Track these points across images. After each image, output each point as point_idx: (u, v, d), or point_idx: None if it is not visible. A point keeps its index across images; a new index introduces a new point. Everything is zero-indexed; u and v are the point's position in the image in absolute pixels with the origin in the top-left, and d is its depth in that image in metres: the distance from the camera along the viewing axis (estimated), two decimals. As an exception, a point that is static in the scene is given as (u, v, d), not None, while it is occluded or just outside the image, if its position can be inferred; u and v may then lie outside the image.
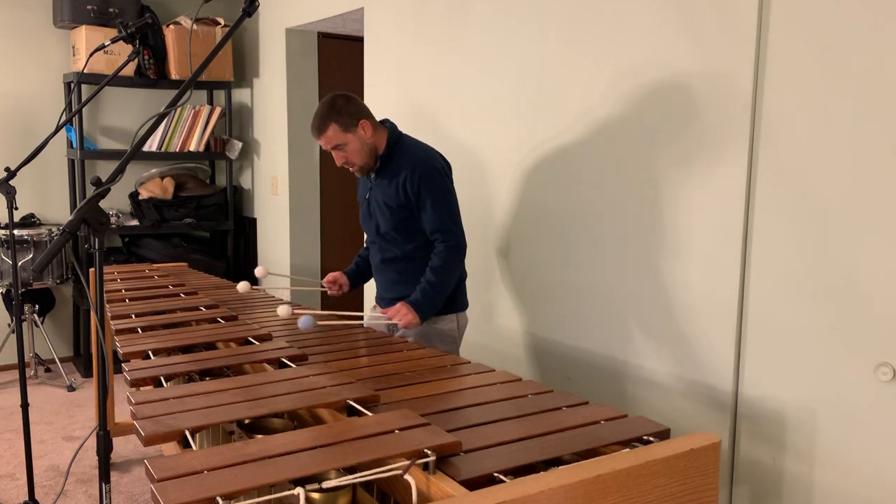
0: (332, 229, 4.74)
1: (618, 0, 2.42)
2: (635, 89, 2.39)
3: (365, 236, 2.74)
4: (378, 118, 2.54)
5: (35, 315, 4.46)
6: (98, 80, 4.34)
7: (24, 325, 4.48)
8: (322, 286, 2.79)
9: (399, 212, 2.48)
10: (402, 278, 2.55)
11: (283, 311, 2.37)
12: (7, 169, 2.62)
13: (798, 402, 2.02)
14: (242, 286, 2.80)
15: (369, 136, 2.45)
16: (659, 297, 2.36)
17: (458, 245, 2.50)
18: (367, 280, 2.83)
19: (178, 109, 4.63)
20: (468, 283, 2.70)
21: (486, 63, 2.98)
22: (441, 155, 2.56)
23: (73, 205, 4.76)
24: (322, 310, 2.91)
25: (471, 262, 3.13)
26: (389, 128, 2.52)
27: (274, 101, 4.58)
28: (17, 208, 2.78)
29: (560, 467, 1.25)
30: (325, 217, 4.69)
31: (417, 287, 2.46)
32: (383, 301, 2.63)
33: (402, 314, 2.42)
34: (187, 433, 1.44)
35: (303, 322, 2.23)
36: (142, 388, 1.73)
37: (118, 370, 4.44)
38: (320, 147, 4.57)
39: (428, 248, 2.51)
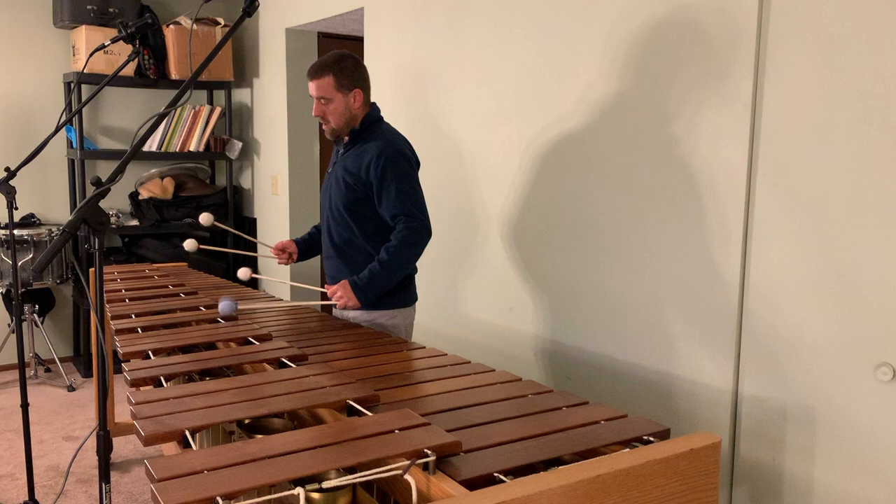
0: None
1: (617, 2, 2.42)
2: (634, 90, 2.39)
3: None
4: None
5: (35, 315, 4.46)
6: (98, 80, 4.34)
7: (24, 325, 4.48)
8: (272, 254, 2.74)
9: (354, 189, 2.44)
10: (348, 268, 2.50)
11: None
12: (7, 169, 2.62)
13: (798, 402, 2.02)
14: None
15: (356, 106, 2.46)
16: (659, 297, 2.36)
17: (419, 228, 2.41)
18: (316, 254, 2.78)
19: (178, 109, 4.63)
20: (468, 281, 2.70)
21: (485, 62, 2.98)
22: (412, 147, 2.54)
23: (73, 205, 4.76)
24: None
25: (471, 261, 3.13)
26: (372, 107, 2.52)
27: (274, 101, 4.58)
28: (17, 208, 2.78)
29: (560, 467, 1.25)
30: (325, 217, 4.69)
31: (368, 266, 2.40)
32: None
33: (339, 295, 2.35)
34: (187, 433, 1.44)
35: (223, 307, 2.23)
36: (142, 388, 1.73)
37: (118, 370, 4.44)
38: (320, 147, 4.59)
39: (376, 239, 2.46)
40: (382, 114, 2.64)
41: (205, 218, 2.74)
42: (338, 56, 2.43)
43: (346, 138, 2.51)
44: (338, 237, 2.54)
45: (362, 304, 2.40)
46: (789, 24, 1.98)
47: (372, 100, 2.58)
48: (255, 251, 4.63)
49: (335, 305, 2.42)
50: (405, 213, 2.40)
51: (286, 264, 2.76)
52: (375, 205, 2.45)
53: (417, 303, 2.70)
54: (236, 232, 2.90)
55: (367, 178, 2.42)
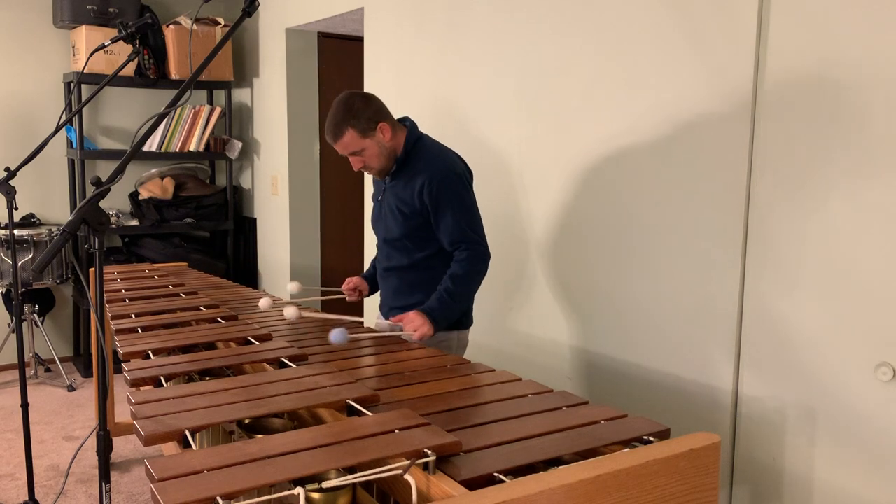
0: (332, 229, 4.74)
1: (615, 2, 2.42)
2: (637, 92, 2.39)
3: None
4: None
5: (35, 315, 4.46)
6: (98, 80, 4.34)
7: (24, 325, 4.48)
8: (342, 293, 2.66)
9: (412, 218, 2.34)
10: (406, 287, 2.42)
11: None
12: (7, 169, 2.62)
13: (798, 402, 2.02)
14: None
15: (388, 140, 2.31)
16: (659, 297, 2.36)
17: (482, 254, 2.32)
18: None
19: (178, 109, 4.63)
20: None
21: (486, 62, 2.98)
22: (462, 159, 2.41)
23: (73, 205, 4.77)
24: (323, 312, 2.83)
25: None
26: (409, 127, 2.37)
27: (274, 101, 4.58)
28: (17, 208, 2.78)
29: (560, 467, 1.25)
30: (325, 217, 4.69)
31: (433, 295, 2.29)
32: (386, 308, 2.51)
33: (415, 324, 2.23)
34: (187, 433, 1.44)
35: (335, 337, 2.10)
36: (142, 388, 1.73)
37: (118, 370, 4.44)
38: (320, 147, 4.59)
39: (438, 259, 2.37)
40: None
41: (293, 287, 2.70)
42: (345, 102, 2.27)
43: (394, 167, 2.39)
44: (396, 261, 2.44)
45: (436, 332, 2.28)
46: (789, 22, 1.98)
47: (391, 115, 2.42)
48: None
49: (408, 334, 2.29)
50: (464, 240, 2.30)
51: (357, 299, 2.68)
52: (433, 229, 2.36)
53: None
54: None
55: (421, 206, 2.31)
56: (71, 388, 4.36)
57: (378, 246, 2.54)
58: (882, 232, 1.82)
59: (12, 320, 4.49)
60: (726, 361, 2.18)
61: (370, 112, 2.27)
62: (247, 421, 1.62)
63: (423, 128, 3.32)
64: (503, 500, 1.12)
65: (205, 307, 2.61)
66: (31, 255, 4.31)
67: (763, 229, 2.07)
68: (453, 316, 2.33)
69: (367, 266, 2.95)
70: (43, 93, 4.68)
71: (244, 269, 5.06)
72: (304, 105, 4.49)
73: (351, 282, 2.65)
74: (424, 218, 2.33)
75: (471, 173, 2.42)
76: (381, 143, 2.30)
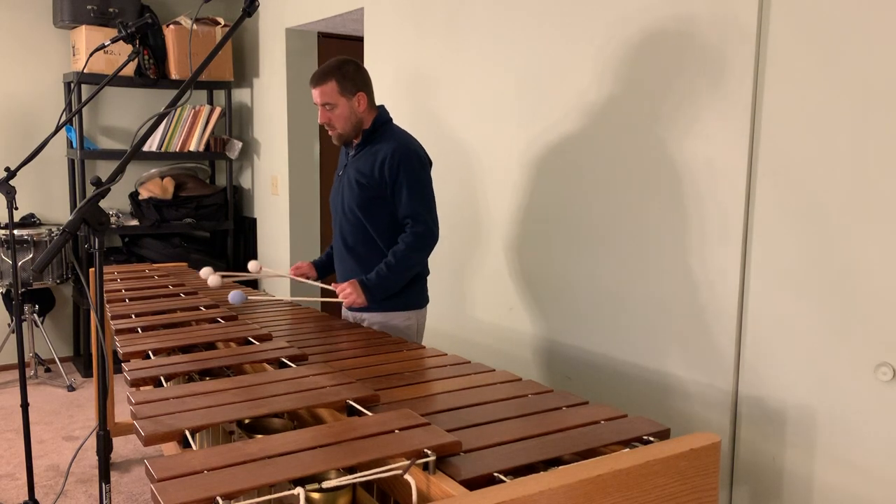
0: (332, 229, 4.74)
1: (618, 3, 2.42)
2: (634, 92, 2.39)
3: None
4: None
5: (35, 315, 4.46)
6: (98, 80, 4.34)
7: (24, 325, 4.48)
8: (287, 275, 2.78)
9: (368, 189, 2.46)
10: (362, 269, 2.52)
11: (213, 280, 2.55)
12: (7, 169, 2.62)
13: (798, 402, 2.02)
14: (206, 273, 2.73)
15: (361, 109, 2.47)
16: (659, 297, 2.36)
17: (426, 233, 2.45)
18: (333, 271, 2.79)
19: (178, 109, 4.63)
20: (472, 282, 2.69)
21: (486, 62, 2.98)
22: (423, 147, 2.55)
23: (73, 205, 4.76)
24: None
25: (471, 262, 3.13)
26: (380, 111, 2.54)
27: (274, 101, 4.58)
28: (17, 208, 2.78)
29: (560, 467, 1.25)
30: (325, 217, 4.69)
31: (376, 267, 2.45)
32: None
33: (346, 292, 2.42)
34: (187, 433, 1.44)
35: (233, 297, 2.39)
36: (142, 388, 1.73)
37: (118, 370, 4.44)
38: (320, 147, 4.59)
39: (391, 237, 2.49)
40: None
41: (254, 266, 2.84)
42: (339, 61, 2.45)
43: (357, 140, 2.53)
44: (351, 238, 2.56)
45: (369, 304, 2.45)
46: (789, 24, 1.98)
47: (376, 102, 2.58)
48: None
49: (342, 303, 2.47)
50: (413, 216, 2.44)
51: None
52: (390, 203, 2.47)
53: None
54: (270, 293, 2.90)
55: (380, 178, 2.44)
56: (71, 388, 4.36)
57: (333, 225, 2.66)
58: (882, 231, 1.82)
59: (12, 320, 4.49)
60: (726, 361, 2.18)
61: (358, 79, 2.46)
62: (247, 421, 1.62)
63: (421, 127, 3.33)
64: (503, 500, 1.12)
65: (205, 307, 2.61)
66: (31, 255, 4.31)
67: (763, 229, 2.08)
68: (390, 289, 2.47)
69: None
70: (43, 93, 4.67)
71: (244, 270, 5.06)
72: (304, 105, 4.49)
73: (301, 267, 2.76)
74: (381, 192, 2.46)
75: (430, 161, 2.55)
76: (354, 109, 2.47)
